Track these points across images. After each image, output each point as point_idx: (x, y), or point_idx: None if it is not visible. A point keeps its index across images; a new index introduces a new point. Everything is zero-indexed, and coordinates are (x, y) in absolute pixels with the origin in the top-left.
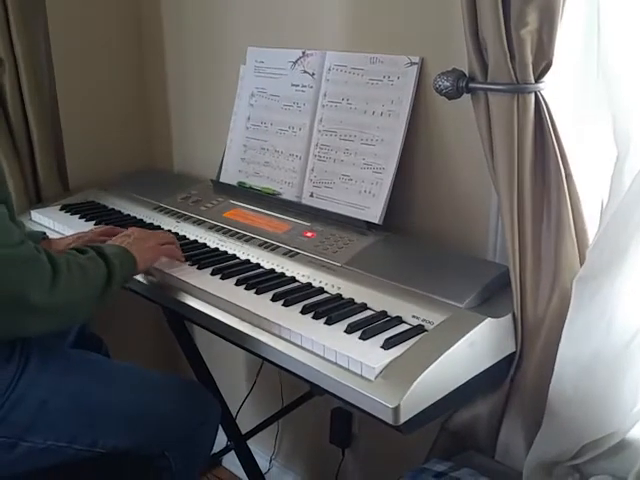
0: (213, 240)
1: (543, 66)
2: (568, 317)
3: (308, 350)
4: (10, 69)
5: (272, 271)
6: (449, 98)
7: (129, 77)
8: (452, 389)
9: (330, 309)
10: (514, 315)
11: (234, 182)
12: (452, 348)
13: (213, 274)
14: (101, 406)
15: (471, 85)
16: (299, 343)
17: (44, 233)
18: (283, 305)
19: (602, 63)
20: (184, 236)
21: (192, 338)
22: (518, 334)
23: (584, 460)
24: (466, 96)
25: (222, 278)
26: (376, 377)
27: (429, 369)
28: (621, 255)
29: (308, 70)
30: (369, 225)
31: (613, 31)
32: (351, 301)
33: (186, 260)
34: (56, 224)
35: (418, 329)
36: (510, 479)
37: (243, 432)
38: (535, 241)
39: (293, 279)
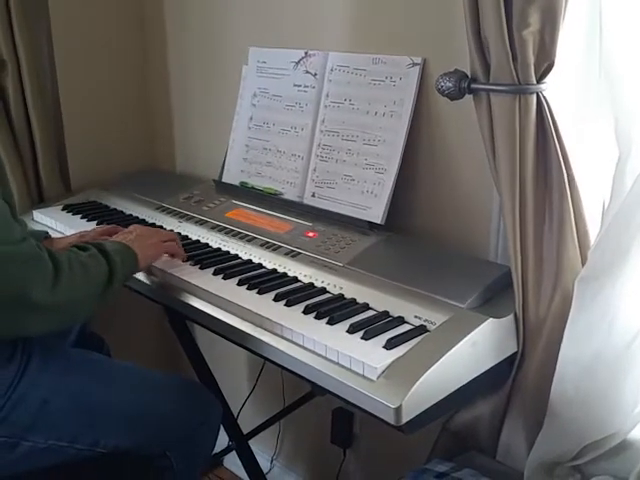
0: (215, 240)
1: (545, 67)
2: (570, 318)
3: (310, 350)
4: (13, 71)
5: (274, 271)
6: (451, 99)
7: (131, 77)
8: (454, 389)
9: (332, 309)
10: (516, 315)
11: (236, 182)
12: (454, 348)
13: (215, 274)
14: (102, 406)
15: (473, 86)
16: (301, 343)
17: (46, 232)
18: (285, 305)
19: (604, 64)
20: (186, 236)
21: (194, 338)
22: (520, 334)
23: (585, 461)
24: (468, 97)
25: (224, 278)
26: (378, 377)
27: (431, 369)
28: (623, 256)
29: (310, 70)
30: (371, 225)
31: (615, 32)
32: (353, 301)
33: (188, 260)
34: (58, 224)
35: (420, 329)
36: (511, 479)
37: (244, 432)
38: (537, 242)
39: (295, 279)
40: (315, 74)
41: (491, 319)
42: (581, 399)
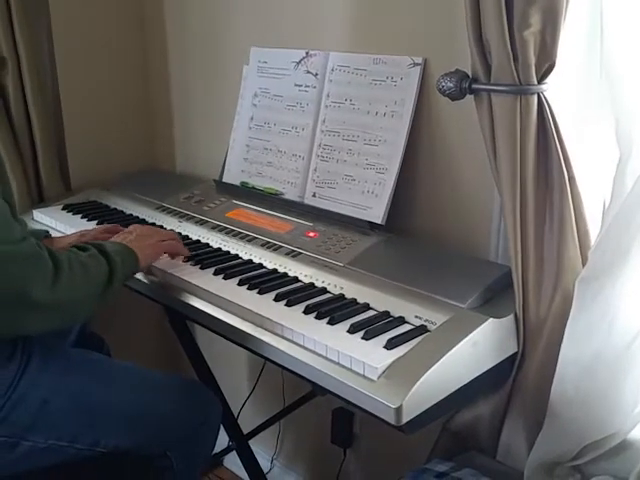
0: (216, 240)
1: (546, 67)
2: (570, 318)
3: (310, 350)
4: (13, 69)
5: (275, 271)
6: (452, 99)
7: (132, 77)
8: (454, 389)
9: (333, 309)
10: (516, 315)
11: (237, 182)
12: (454, 348)
13: (216, 274)
14: (102, 406)
15: (474, 86)
16: (302, 343)
17: (46, 231)
18: (286, 305)
19: (605, 64)
20: (187, 236)
21: (194, 338)
22: (520, 334)
23: (585, 461)
24: (469, 97)
25: (225, 278)
26: (379, 377)
27: (432, 369)
28: (623, 256)
29: (311, 70)
30: (372, 225)
31: (616, 33)
32: (354, 301)
33: (189, 260)
34: (58, 224)
35: (421, 329)
36: (511, 479)
37: (245, 432)
38: (537, 242)
39: (296, 279)
40: (316, 74)
41: (491, 319)
42: (581, 399)
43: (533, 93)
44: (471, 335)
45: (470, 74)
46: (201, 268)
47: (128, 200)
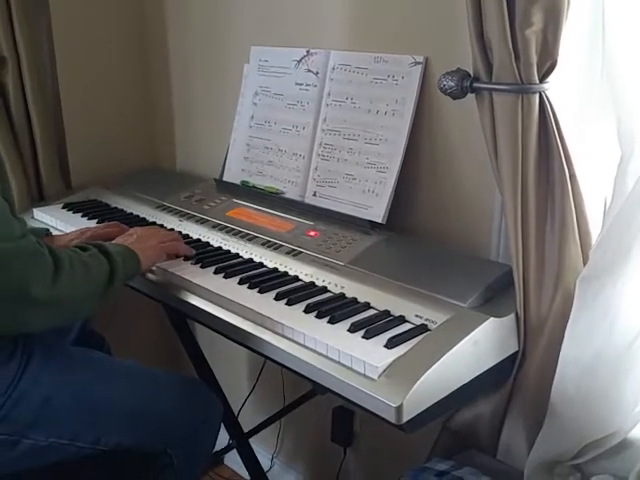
0: (216, 239)
1: (548, 66)
2: (571, 317)
3: (311, 349)
4: (13, 68)
5: (275, 270)
6: (453, 98)
7: (132, 76)
8: (455, 388)
9: (333, 308)
10: (517, 315)
11: (237, 181)
12: (455, 347)
13: (216, 273)
14: (103, 404)
15: (475, 85)
16: (302, 342)
17: (47, 229)
18: (286, 304)
19: (607, 63)
20: (187, 235)
21: (194, 336)
22: (521, 334)
23: (585, 460)
24: (470, 96)
25: (225, 277)
26: (379, 376)
27: (432, 368)
28: (624, 256)
29: (312, 69)
30: (372, 224)
31: (618, 31)
32: (354, 300)
33: (189, 259)
34: (59, 222)
35: (421, 328)
36: (512, 478)
37: (245, 430)
38: (539, 241)
39: (296, 278)
40: (317, 73)
41: (492, 318)
42: (582, 398)
43: (535, 92)
44: (472, 334)
45: (471, 73)
46: (202, 267)
47: (128, 199)
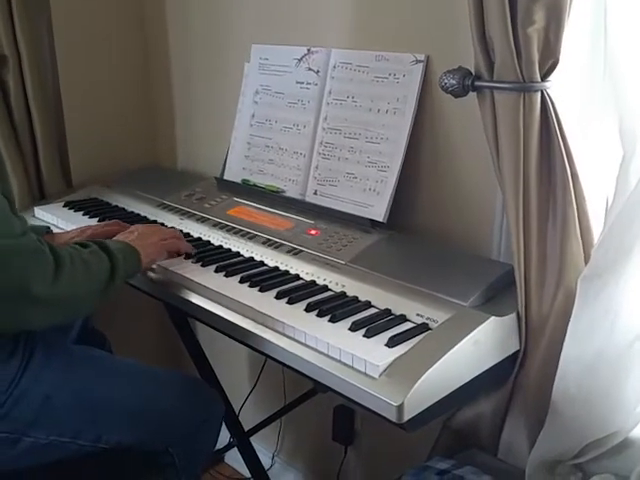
0: (217, 237)
1: (549, 64)
2: (572, 316)
3: (312, 348)
4: (14, 66)
5: (276, 269)
6: (455, 96)
7: (133, 74)
8: (456, 387)
9: (334, 307)
10: (518, 314)
11: (238, 180)
12: (456, 346)
13: (217, 271)
14: (104, 402)
15: (477, 83)
16: (303, 341)
17: (48, 227)
18: (287, 303)
19: (609, 62)
20: (188, 233)
21: (195, 335)
22: (522, 333)
23: (587, 459)
24: (472, 94)
25: (226, 275)
26: (380, 375)
27: (433, 367)
28: (626, 254)
29: (313, 67)
30: (373, 223)
31: (620, 30)
32: (355, 299)
33: (190, 257)
34: (59, 221)
35: (422, 327)
36: (513, 477)
37: (246, 429)
38: (540, 240)
39: (297, 277)
40: (317, 71)
41: (493, 317)
42: (583, 397)
43: (536, 90)
44: (473, 333)
45: (473, 71)
46: (202, 265)
47: (129, 197)
